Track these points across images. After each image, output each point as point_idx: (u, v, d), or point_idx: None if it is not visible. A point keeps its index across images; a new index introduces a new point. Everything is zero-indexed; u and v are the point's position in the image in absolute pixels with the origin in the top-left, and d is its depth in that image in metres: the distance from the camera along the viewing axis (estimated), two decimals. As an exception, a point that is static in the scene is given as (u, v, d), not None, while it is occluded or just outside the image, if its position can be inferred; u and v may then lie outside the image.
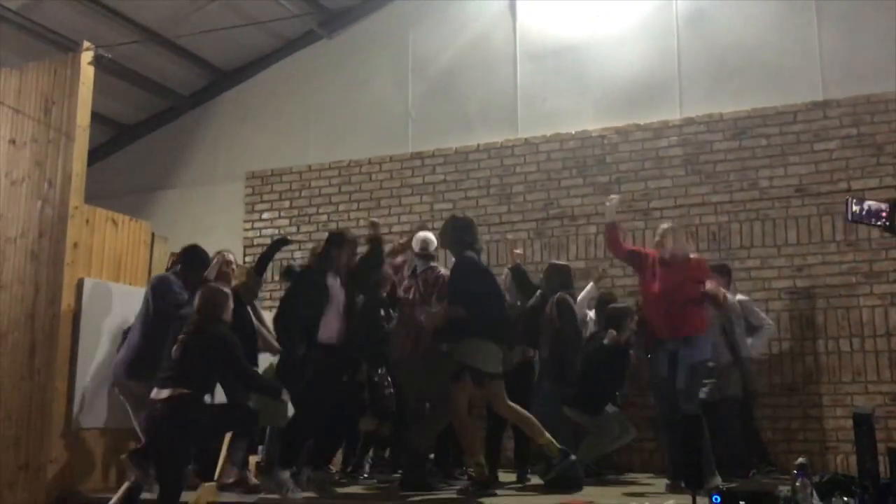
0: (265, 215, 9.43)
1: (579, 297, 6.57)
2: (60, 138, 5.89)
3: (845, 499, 4.08)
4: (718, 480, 5.26)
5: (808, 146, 7.44)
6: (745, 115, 7.67)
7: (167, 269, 6.45)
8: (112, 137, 10.48)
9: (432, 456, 5.98)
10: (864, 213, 4.42)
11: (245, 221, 9.51)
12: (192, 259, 5.65)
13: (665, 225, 5.94)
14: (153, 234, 6.55)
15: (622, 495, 5.17)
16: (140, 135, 10.48)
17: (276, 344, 5.68)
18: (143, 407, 4.96)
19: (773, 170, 7.50)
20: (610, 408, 6.25)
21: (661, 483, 5.65)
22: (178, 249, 6.57)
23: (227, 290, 5.07)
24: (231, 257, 5.88)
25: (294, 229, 9.17)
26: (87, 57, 5.95)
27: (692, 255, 5.74)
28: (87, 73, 6.01)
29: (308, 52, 9.71)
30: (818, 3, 7.62)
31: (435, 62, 9.08)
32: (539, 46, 8.65)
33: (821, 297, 7.15)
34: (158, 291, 5.43)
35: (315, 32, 9.55)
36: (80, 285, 5.74)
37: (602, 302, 6.71)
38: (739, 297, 6.68)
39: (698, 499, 4.19)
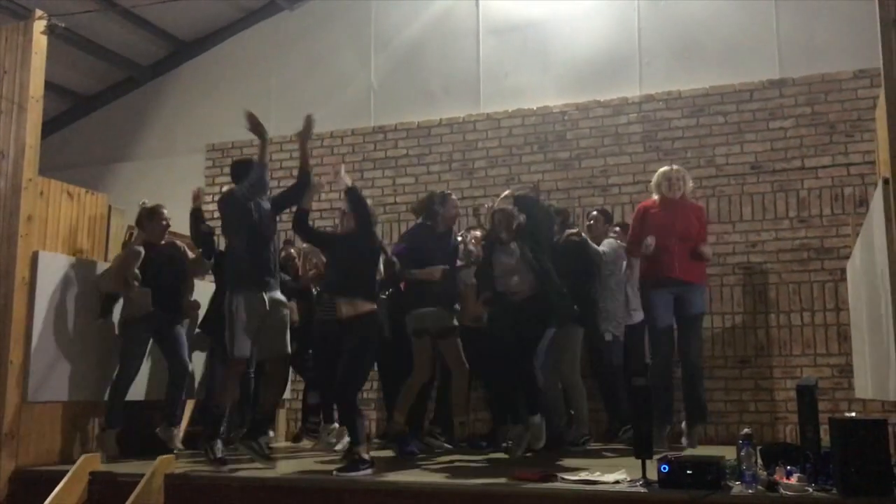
0: (225, 188, 9.29)
1: None
2: (12, 109, 5.78)
3: (788, 467, 4.20)
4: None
5: (764, 124, 7.56)
6: (703, 92, 7.77)
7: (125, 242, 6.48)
8: (69, 108, 10.32)
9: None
10: None
11: (205, 194, 9.40)
12: None
13: (673, 167, 6.33)
14: (110, 207, 6.49)
15: (576, 466, 5.27)
16: (98, 106, 10.33)
17: None
18: None
19: (730, 147, 7.62)
20: None
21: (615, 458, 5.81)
22: (135, 222, 6.57)
23: None
24: (165, 212, 6.36)
25: (255, 203, 9.10)
26: (39, 26, 5.83)
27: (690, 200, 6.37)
28: (40, 42, 5.88)
29: (270, 24, 9.61)
30: (776, -18, 7.74)
31: (398, 36, 9.05)
32: (501, 22, 8.66)
33: (773, 272, 7.32)
34: None
35: (277, 3, 9.45)
36: (34, 258, 5.67)
37: None
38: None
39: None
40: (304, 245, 6.69)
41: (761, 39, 7.70)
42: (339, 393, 5.36)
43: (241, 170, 5.75)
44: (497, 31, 8.66)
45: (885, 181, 4.35)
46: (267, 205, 5.67)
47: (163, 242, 6.36)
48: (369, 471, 4.92)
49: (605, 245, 6.67)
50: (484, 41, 8.70)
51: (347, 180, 5.67)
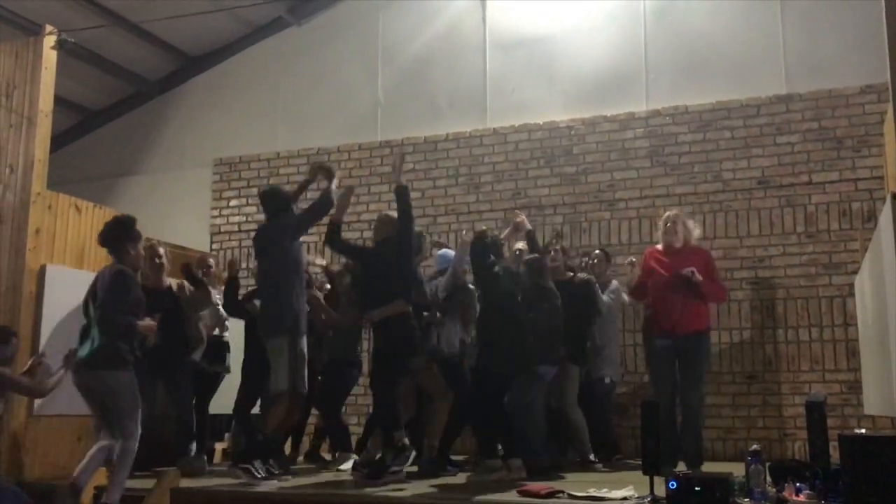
0: (233, 202, 9.40)
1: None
2: (22, 123, 5.83)
3: (797, 484, 4.17)
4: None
5: (770, 139, 7.56)
6: (710, 107, 7.78)
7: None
8: (78, 122, 10.38)
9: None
10: None
11: (212, 209, 9.47)
12: None
13: (670, 212, 6.05)
14: (117, 221, 6.48)
15: (585, 482, 5.24)
16: (106, 120, 10.39)
17: None
18: None
19: (737, 162, 7.62)
20: None
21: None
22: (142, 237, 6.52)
23: None
24: (161, 250, 5.98)
25: (262, 217, 9.12)
26: (49, 41, 5.89)
27: (695, 245, 5.99)
28: (50, 57, 5.94)
29: (277, 39, 9.67)
30: (783, -1, 7.76)
31: (404, 51, 9.08)
32: (508, 37, 8.69)
33: (781, 287, 7.29)
34: None
35: (284, 19, 9.51)
36: (42, 272, 5.70)
37: None
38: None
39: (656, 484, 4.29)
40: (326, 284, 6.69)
41: (768, 55, 7.71)
42: (377, 390, 5.51)
43: (278, 203, 5.68)
44: (504, 46, 8.69)
45: (894, 196, 4.34)
46: None
47: (167, 285, 6.01)
48: (411, 457, 5.21)
49: (611, 291, 6.73)
50: (490, 56, 8.73)
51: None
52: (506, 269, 5.87)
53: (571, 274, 6.51)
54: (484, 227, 6.22)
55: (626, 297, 6.79)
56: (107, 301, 4.72)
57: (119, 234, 4.92)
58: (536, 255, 6.14)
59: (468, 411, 5.80)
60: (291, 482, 5.31)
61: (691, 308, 5.71)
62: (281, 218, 5.61)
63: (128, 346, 4.77)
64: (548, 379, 5.88)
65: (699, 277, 5.67)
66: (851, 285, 6.88)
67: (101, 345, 4.68)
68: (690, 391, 5.69)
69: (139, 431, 4.76)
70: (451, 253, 6.44)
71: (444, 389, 6.03)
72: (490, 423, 5.58)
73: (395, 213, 5.69)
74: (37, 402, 5.53)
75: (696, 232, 6.14)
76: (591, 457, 6.24)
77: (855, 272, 6.77)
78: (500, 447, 5.67)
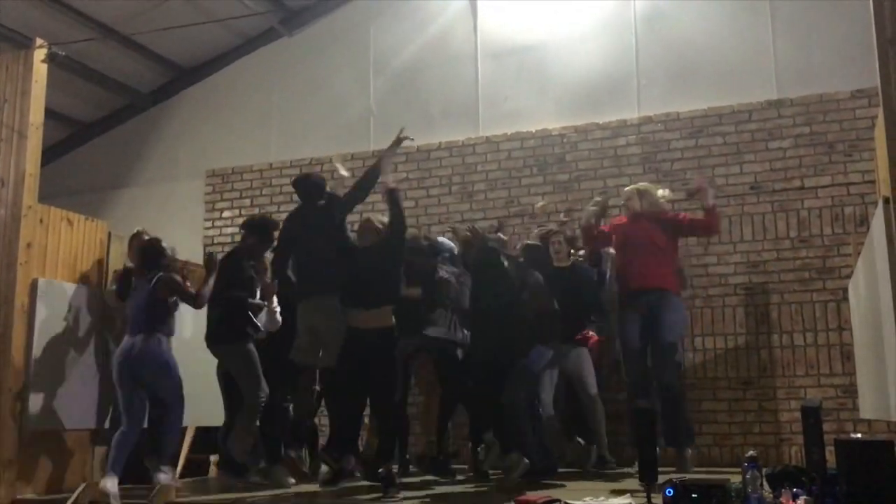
0: (226, 213, 9.38)
1: None
2: (13, 136, 5.80)
3: (794, 490, 4.16)
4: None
5: (762, 144, 7.57)
6: (702, 113, 7.79)
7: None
8: (69, 135, 10.34)
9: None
10: None
11: (205, 220, 9.44)
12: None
13: (634, 186, 6.15)
14: (110, 234, 6.47)
15: (581, 490, 5.22)
16: (98, 132, 10.36)
17: None
18: None
19: (729, 168, 7.63)
20: None
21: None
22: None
23: None
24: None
25: (255, 228, 9.12)
26: (40, 54, 5.87)
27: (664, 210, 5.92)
28: (41, 70, 5.92)
29: (269, 50, 9.66)
30: (773, 4, 7.77)
31: (396, 60, 9.09)
32: (500, 45, 8.70)
33: (775, 292, 7.29)
34: None
35: (276, 30, 9.51)
36: (33, 285, 5.66)
37: None
38: None
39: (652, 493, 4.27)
40: None
41: (758, 60, 7.73)
42: (385, 414, 5.46)
43: (318, 189, 6.04)
44: (495, 54, 8.70)
45: (886, 200, 4.34)
46: None
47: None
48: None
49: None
50: (482, 65, 8.74)
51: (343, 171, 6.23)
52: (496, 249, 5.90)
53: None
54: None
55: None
56: (222, 282, 5.62)
57: (257, 229, 5.97)
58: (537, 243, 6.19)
59: (473, 409, 5.81)
60: (292, 490, 5.29)
61: (657, 260, 5.65)
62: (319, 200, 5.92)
63: (246, 321, 5.58)
64: (541, 364, 5.84)
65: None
66: (845, 289, 6.89)
67: (221, 320, 5.58)
68: (665, 368, 5.61)
69: (264, 396, 5.49)
70: (447, 241, 6.57)
71: (433, 382, 6.03)
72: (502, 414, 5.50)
73: (377, 221, 5.87)
74: (29, 416, 5.50)
75: (658, 195, 6.18)
76: (607, 454, 6.18)
77: (848, 276, 6.78)
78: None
